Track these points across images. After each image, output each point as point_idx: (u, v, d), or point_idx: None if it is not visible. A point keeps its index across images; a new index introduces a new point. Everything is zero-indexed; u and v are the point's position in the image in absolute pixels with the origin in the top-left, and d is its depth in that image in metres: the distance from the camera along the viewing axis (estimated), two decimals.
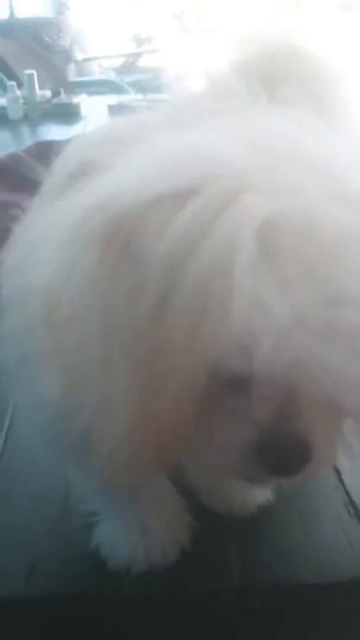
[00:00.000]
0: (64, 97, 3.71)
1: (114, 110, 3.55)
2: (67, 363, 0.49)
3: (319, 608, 0.91)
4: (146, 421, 0.47)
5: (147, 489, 0.89)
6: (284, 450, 0.50)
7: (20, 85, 3.50)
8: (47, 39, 4.76)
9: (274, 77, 0.61)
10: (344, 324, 0.43)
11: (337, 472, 1.07)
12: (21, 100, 3.45)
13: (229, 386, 0.49)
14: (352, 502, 1.01)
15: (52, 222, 0.58)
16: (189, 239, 0.44)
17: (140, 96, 3.77)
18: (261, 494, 0.97)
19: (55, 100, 3.65)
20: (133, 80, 4.56)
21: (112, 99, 3.73)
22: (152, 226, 0.45)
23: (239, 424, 0.51)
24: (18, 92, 3.45)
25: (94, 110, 3.69)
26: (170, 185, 0.46)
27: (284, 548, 0.94)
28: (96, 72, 5.17)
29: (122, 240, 0.46)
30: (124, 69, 5.09)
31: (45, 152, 2.33)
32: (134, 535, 0.91)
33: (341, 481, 1.05)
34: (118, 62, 5.27)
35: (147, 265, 0.45)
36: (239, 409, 0.50)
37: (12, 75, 4.02)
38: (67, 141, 0.93)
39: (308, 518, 0.99)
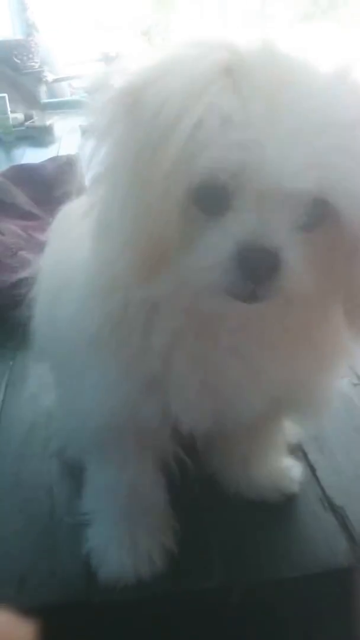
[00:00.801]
0: (37, 120, 3.75)
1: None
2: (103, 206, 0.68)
3: (299, 600, 0.95)
4: (143, 235, 0.63)
5: (139, 493, 0.95)
6: (257, 256, 0.62)
7: None
8: (16, 61, 4.81)
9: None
10: (288, 123, 0.59)
11: (312, 468, 1.11)
12: None
13: (211, 209, 0.63)
14: (327, 497, 1.05)
15: None
16: (169, 94, 0.61)
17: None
18: (289, 482, 1.05)
19: (28, 123, 3.69)
20: None
21: (84, 119, 3.77)
22: (150, 93, 0.62)
23: (221, 242, 0.63)
24: None
25: (67, 130, 3.74)
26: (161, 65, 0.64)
27: (264, 544, 0.98)
28: (67, 93, 5.22)
29: (131, 100, 0.63)
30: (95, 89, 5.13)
31: (21, 176, 2.38)
32: (122, 545, 0.95)
33: (316, 477, 1.09)
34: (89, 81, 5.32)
35: (146, 117, 0.61)
36: (221, 229, 0.63)
37: None
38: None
39: (285, 514, 1.03)
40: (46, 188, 2.27)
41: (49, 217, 2.09)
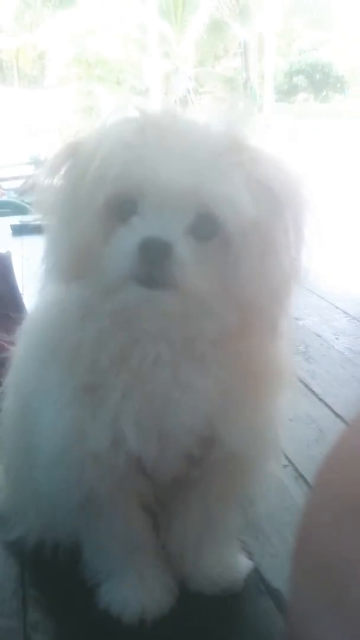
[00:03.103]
0: None
1: (17, 229, 3.68)
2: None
3: None
4: (75, 238, 0.85)
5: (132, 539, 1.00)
6: (153, 244, 0.80)
7: None
8: None
9: None
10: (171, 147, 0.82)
11: (248, 553, 1.12)
12: None
13: (123, 216, 0.83)
14: (263, 580, 1.07)
15: None
16: (96, 142, 0.84)
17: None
18: (233, 572, 1.06)
19: None
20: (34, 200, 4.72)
21: (15, 219, 3.85)
22: (85, 144, 0.86)
23: (128, 237, 0.82)
24: None
25: None
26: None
27: (201, 630, 0.98)
28: None
29: (72, 151, 0.87)
30: (25, 190, 5.28)
31: None
32: (137, 589, 1.00)
33: (252, 562, 1.11)
34: (18, 183, 5.47)
35: (80, 160, 0.85)
36: (129, 229, 0.82)
37: None
38: None
39: (223, 599, 1.03)
40: None
41: None
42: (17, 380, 1.03)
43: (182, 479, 0.97)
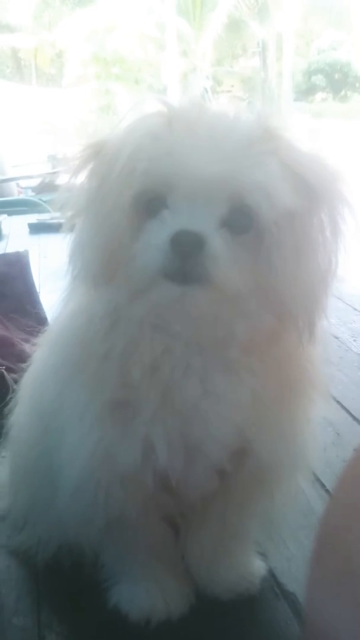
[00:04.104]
0: None
1: (34, 228, 3.68)
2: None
3: None
4: (104, 239, 0.82)
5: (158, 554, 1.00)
6: (185, 237, 0.77)
7: None
8: None
9: None
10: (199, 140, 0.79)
11: (264, 557, 1.11)
12: None
13: (151, 212, 0.80)
14: (278, 584, 1.06)
15: None
16: (120, 142, 0.81)
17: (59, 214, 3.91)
18: (249, 578, 1.05)
19: None
20: (51, 199, 4.72)
21: (32, 218, 3.86)
22: (110, 143, 0.83)
23: (159, 231, 0.79)
24: None
25: (15, 228, 3.82)
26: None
27: (217, 634, 0.98)
28: (15, 192, 5.36)
29: (95, 153, 0.84)
30: (42, 188, 5.30)
31: None
32: (151, 590, 1.00)
33: (267, 565, 1.09)
34: (35, 182, 5.48)
35: (106, 158, 0.82)
36: (159, 223, 0.79)
37: None
38: None
39: (238, 603, 1.02)
40: None
41: None
42: (36, 398, 0.99)
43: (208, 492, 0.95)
